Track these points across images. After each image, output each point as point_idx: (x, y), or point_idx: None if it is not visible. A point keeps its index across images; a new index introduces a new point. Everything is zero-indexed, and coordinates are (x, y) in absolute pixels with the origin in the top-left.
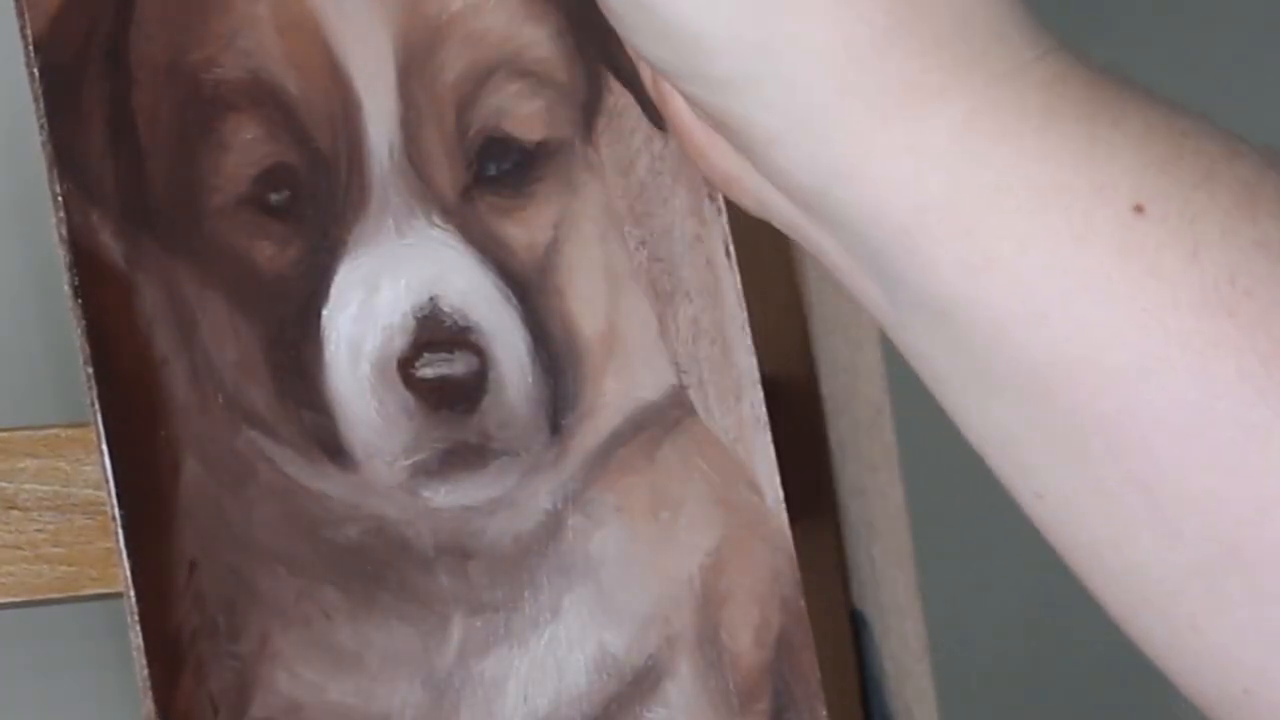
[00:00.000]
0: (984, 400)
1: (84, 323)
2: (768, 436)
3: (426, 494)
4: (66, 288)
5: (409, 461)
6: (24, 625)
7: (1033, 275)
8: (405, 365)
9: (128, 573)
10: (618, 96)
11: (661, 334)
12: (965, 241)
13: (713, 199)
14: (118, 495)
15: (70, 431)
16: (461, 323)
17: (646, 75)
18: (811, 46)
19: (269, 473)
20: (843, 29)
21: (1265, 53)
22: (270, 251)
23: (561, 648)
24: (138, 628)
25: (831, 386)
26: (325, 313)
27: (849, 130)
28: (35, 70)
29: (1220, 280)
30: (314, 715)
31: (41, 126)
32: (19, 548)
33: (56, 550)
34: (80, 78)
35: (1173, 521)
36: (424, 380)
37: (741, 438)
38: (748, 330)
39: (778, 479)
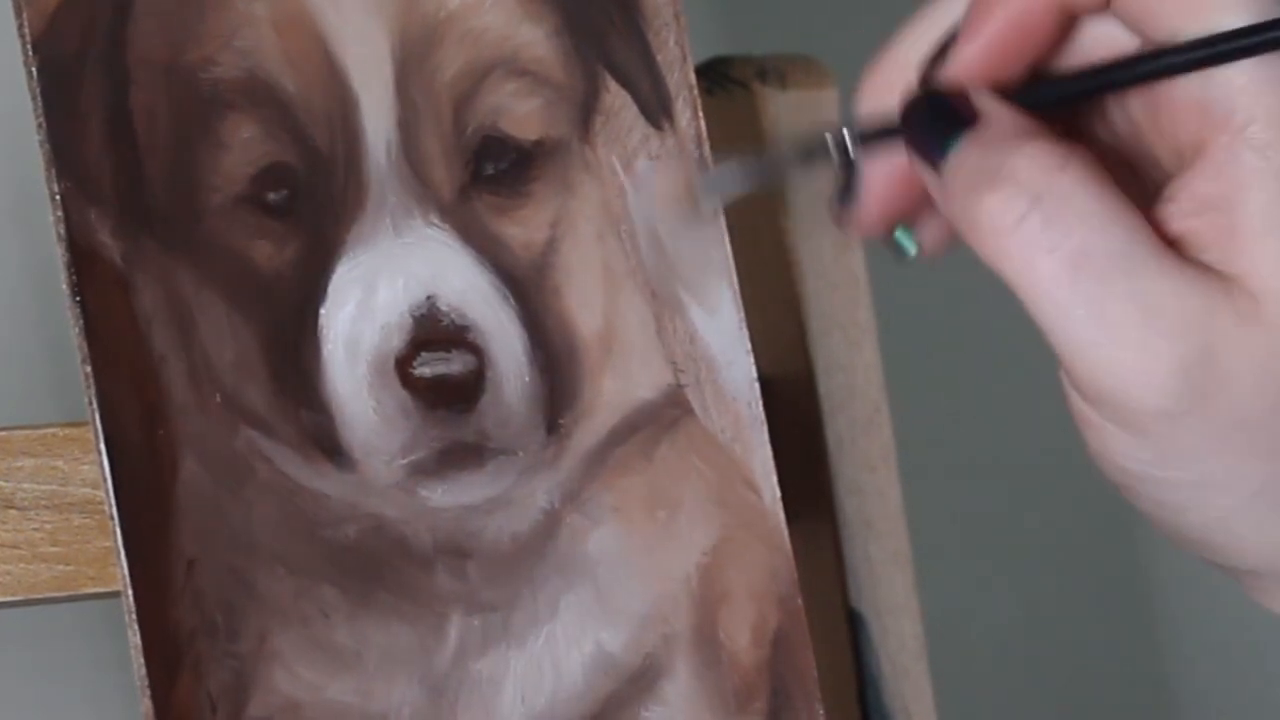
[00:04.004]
0: None
1: (82, 322)
2: (765, 435)
3: (424, 493)
4: (64, 286)
5: (406, 461)
6: (22, 624)
7: None
8: (403, 364)
9: (126, 572)
10: (615, 96)
11: (659, 333)
12: None
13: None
14: (115, 494)
15: (68, 430)
16: (459, 321)
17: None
18: None
19: (267, 472)
20: None
21: None
22: (268, 250)
23: (559, 647)
24: (136, 626)
25: (829, 385)
26: (323, 312)
27: None
28: (33, 68)
29: None
30: (312, 714)
31: (39, 125)
32: (16, 547)
33: (54, 549)
34: (78, 76)
35: None
36: (421, 379)
37: (739, 437)
38: (745, 329)
39: (775, 478)
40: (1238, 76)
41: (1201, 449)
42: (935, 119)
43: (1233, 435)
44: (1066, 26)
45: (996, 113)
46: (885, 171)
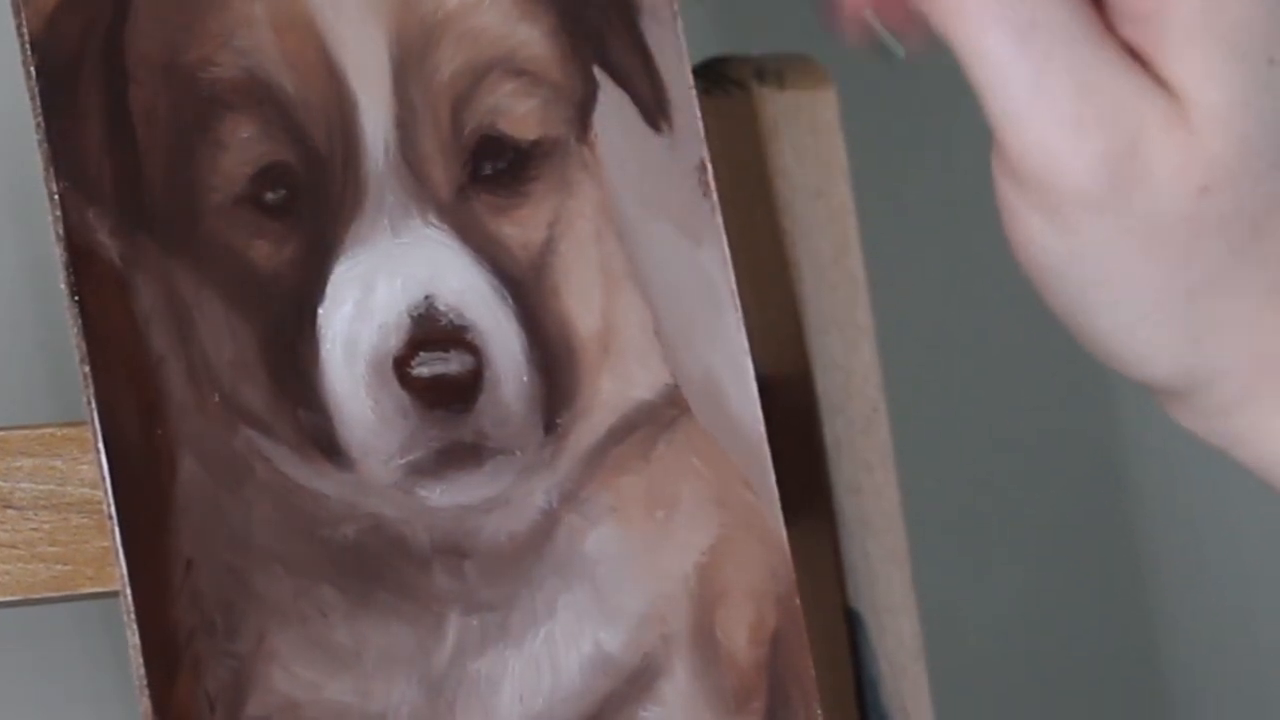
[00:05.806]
0: None
1: (80, 321)
2: (763, 435)
3: (423, 493)
4: (63, 286)
5: (405, 460)
6: (20, 624)
7: None
8: (401, 364)
9: (124, 571)
10: (613, 95)
11: (657, 333)
12: None
13: (707, 196)
14: (114, 494)
15: (66, 430)
16: (457, 321)
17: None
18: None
19: (266, 471)
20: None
21: None
22: (267, 250)
23: (557, 647)
24: (134, 626)
25: (826, 385)
26: (321, 311)
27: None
28: (32, 69)
29: None
30: (310, 713)
31: (38, 125)
32: (15, 546)
33: (52, 549)
34: (77, 76)
35: None
36: (420, 379)
37: (737, 437)
38: (743, 328)
39: (773, 478)
40: None
41: (1111, 246)
42: None
43: (1141, 236)
44: None
45: None
46: None
